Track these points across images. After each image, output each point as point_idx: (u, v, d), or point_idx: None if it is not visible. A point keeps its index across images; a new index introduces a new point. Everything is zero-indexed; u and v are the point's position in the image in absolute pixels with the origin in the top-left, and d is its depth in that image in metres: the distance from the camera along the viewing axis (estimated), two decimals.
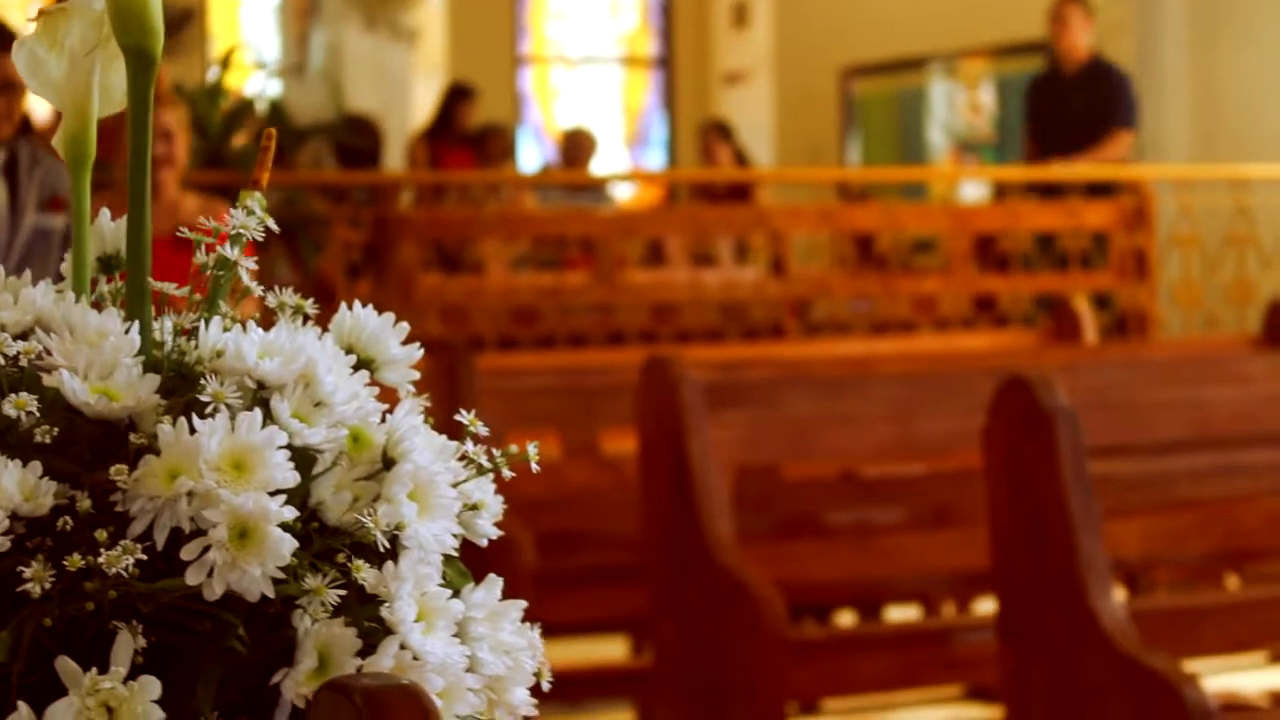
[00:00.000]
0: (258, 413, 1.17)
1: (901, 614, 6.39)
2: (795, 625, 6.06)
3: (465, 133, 12.34)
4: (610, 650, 6.57)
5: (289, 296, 1.31)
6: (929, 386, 5.02)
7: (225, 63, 8.84)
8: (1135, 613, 3.63)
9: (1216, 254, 9.91)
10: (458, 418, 1.28)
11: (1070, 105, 9.80)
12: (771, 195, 13.59)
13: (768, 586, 4.18)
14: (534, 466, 1.28)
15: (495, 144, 12.28)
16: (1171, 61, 12.77)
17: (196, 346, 1.23)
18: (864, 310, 9.09)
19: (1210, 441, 4.45)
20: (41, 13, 1.31)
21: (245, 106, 9.78)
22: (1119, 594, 5.72)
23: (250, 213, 1.31)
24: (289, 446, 1.17)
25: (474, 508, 1.29)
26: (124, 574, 1.11)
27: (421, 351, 1.34)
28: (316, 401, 1.21)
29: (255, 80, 13.14)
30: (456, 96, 12.30)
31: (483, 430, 1.28)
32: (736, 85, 17.36)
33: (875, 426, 4.71)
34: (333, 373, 1.22)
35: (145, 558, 1.12)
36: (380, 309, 1.31)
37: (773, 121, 16.87)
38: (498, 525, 1.28)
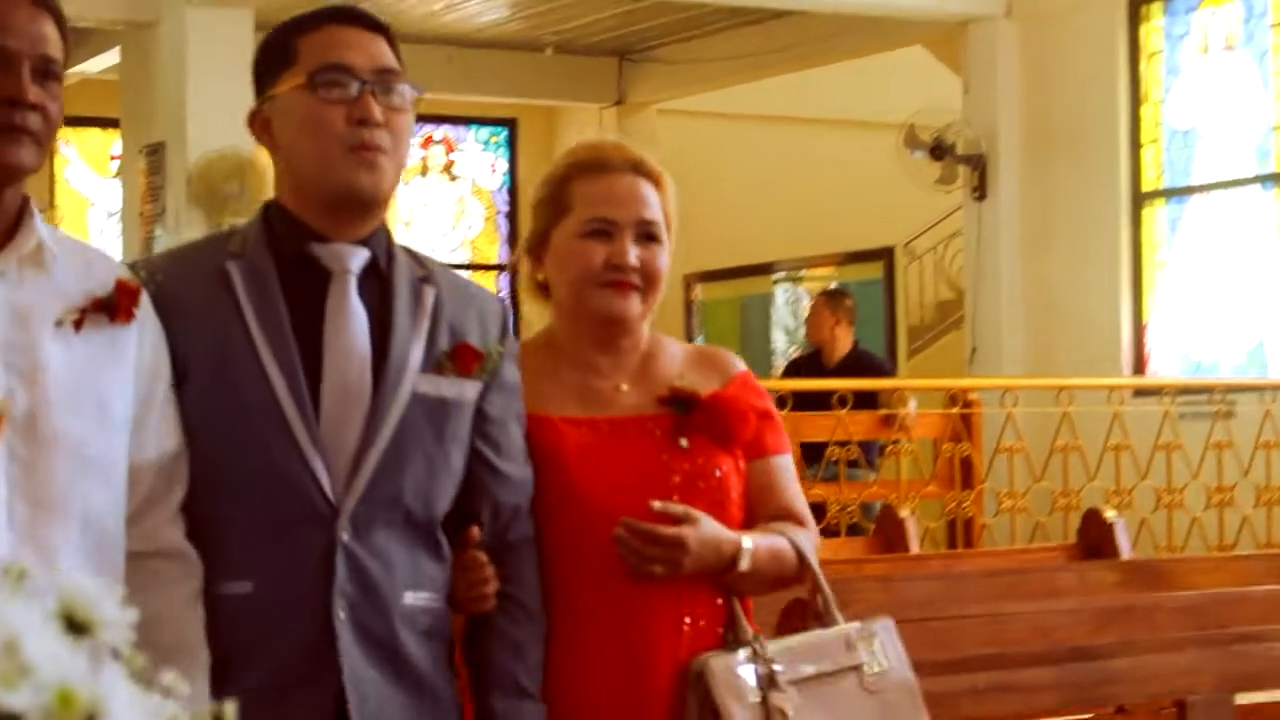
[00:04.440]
0: None
1: None
2: None
3: None
4: None
5: (14, 566, 1.40)
6: None
7: None
8: None
9: (1043, 463, 10.13)
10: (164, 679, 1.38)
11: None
12: None
13: None
14: None
15: None
16: (1006, 270, 13.09)
17: None
18: None
19: (1000, 659, 4.57)
20: None
21: None
22: None
23: None
24: None
25: None
26: None
27: (136, 613, 1.43)
28: (21, 667, 1.30)
29: None
30: None
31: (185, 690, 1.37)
32: None
33: None
34: (37, 639, 1.32)
35: None
36: None
37: None
38: None
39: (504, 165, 18.21)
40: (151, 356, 2.96)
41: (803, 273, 17.91)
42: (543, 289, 3.48)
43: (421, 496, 3.10)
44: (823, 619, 3.42)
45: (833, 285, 16.99)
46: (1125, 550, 7.11)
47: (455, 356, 3.16)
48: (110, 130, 14.95)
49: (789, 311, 17.83)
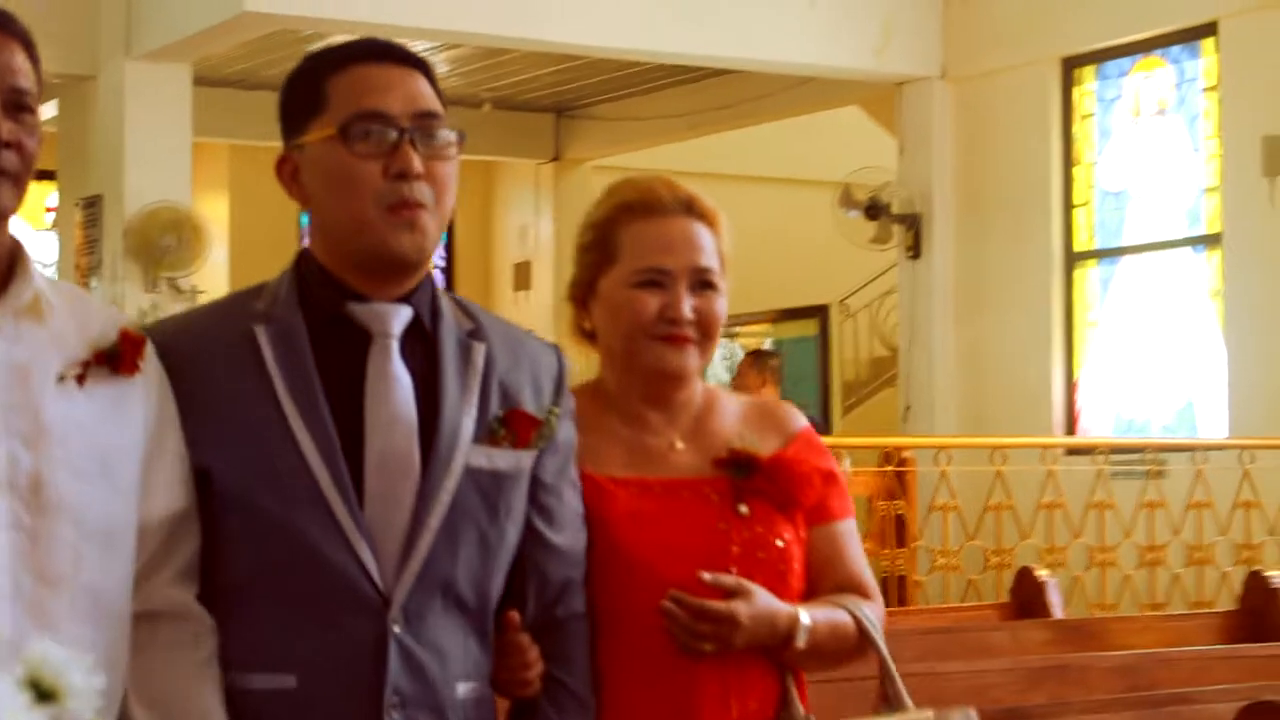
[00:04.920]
0: None
1: None
2: None
3: None
4: None
5: None
6: None
7: None
8: None
9: (976, 521, 10.20)
10: None
11: None
12: None
13: None
14: None
15: None
16: (939, 329, 13.18)
17: None
18: None
19: None
20: None
21: None
22: None
23: None
24: None
25: None
26: None
27: (104, 680, 1.47)
28: None
29: None
30: None
31: None
32: None
33: None
34: (8, 709, 1.35)
35: None
36: None
37: None
38: None
39: None
40: (158, 409, 2.72)
41: (738, 329, 17.98)
42: (588, 335, 3.22)
43: (475, 581, 2.83)
44: (890, 702, 3.15)
45: (767, 342, 17.07)
46: (1057, 609, 7.16)
47: (509, 424, 2.87)
48: (46, 182, 14.92)
49: (725, 368, 17.87)
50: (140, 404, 2.70)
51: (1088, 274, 12.78)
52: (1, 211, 2.62)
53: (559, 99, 16.45)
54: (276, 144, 2.90)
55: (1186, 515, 10.62)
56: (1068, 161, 12.82)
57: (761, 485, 3.10)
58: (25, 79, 2.64)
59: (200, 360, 2.79)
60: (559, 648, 2.95)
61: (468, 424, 2.81)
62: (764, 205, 17.45)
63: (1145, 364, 12.40)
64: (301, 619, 2.73)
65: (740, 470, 3.11)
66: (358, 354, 2.79)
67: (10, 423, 2.57)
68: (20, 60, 2.64)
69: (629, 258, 3.12)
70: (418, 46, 13.82)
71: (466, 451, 2.80)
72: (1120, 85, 12.65)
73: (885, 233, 13.39)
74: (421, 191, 2.79)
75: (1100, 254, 12.74)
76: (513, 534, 2.88)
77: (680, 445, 3.15)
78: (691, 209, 3.18)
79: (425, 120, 2.82)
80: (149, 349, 2.73)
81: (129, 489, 2.66)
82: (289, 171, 2.88)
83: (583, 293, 3.20)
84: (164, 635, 2.72)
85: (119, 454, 2.65)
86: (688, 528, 3.06)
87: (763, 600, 2.98)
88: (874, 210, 13.26)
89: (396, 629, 2.74)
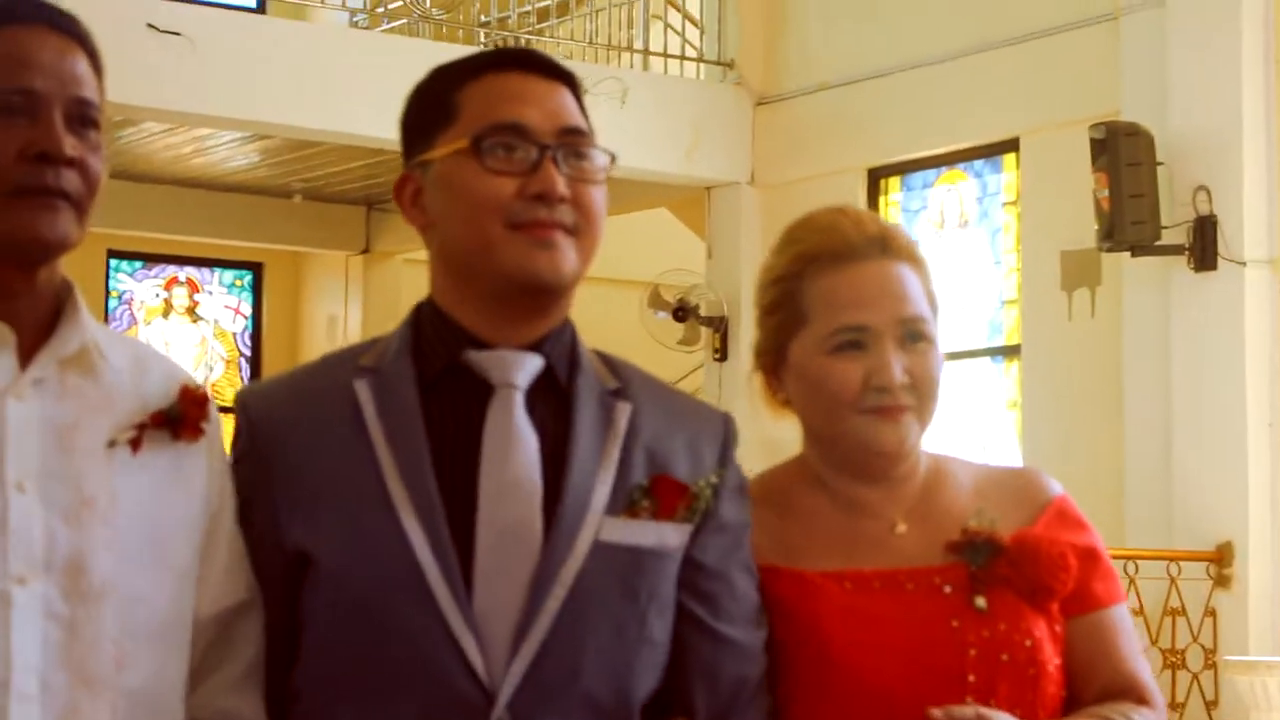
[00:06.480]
0: None
1: None
2: None
3: None
4: None
5: None
6: None
7: None
8: None
9: None
10: None
11: None
12: None
13: None
14: None
15: None
16: (744, 429, 13.23)
17: None
18: None
19: None
20: None
21: None
22: None
23: None
24: None
25: None
26: None
27: None
28: None
29: None
30: None
31: None
32: None
33: None
34: None
35: None
36: None
37: None
38: None
39: (248, 308, 18.11)
40: (219, 483, 2.37)
41: None
42: (787, 404, 2.75)
43: (609, 676, 2.37)
44: None
45: None
46: None
47: (653, 492, 2.43)
48: None
49: None
50: (201, 475, 2.35)
51: None
52: (60, 243, 2.28)
53: (370, 192, 16.39)
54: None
55: None
56: None
57: (1004, 571, 2.59)
58: (90, 90, 2.34)
59: (296, 422, 2.42)
60: None
61: (601, 492, 2.40)
62: (574, 303, 17.50)
63: None
64: None
65: (978, 555, 2.60)
66: (476, 409, 2.40)
67: (49, 493, 2.21)
68: (85, 69, 2.34)
69: (820, 318, 2.66)
70: (226, 137, 13.79)
71: (598, 524, 2.38)
72: (925, 197, 12.84)
73: (693, 334, 13.48)
74: (563, 214, 2.48)
75: None
76: (659, 623, 2.43)
77: (902, 528, 2.66)
78: (887, 247, 2.72)
79: (573, 137, 2.53)
80: (212, 410, 2.38)
81: (186, 575, 2.31)
82: (410, 194, 2.53)
83: (772, 361, 2.74)
84: None
85: (175, 534, 2.31)
86: (914, 627, 2.55)
87: None
88: (682, 312, 13.35)
89: None
